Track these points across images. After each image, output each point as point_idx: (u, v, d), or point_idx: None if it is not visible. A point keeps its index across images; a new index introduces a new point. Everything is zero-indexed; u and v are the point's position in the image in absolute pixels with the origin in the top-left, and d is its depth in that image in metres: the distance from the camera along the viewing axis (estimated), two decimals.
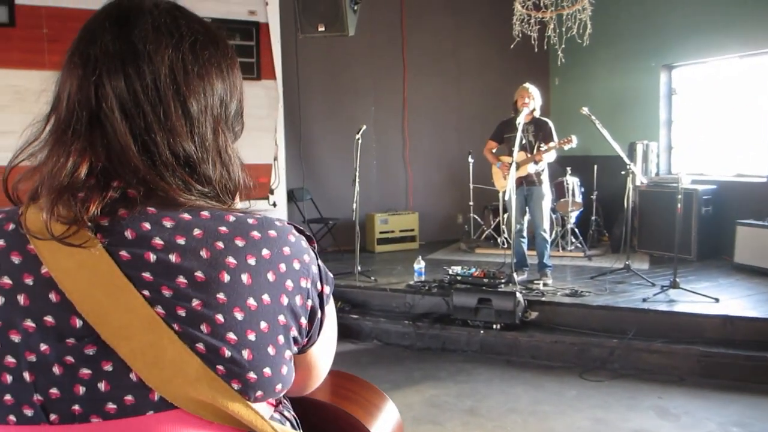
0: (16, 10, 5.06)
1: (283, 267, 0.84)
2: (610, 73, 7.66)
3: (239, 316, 0.80)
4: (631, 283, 5.44)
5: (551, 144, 5.36)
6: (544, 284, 5.40)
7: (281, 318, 0.84)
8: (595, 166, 6.90)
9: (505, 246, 6.60)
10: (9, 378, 0.80)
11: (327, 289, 0.91)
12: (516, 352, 4.76)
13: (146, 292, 0.78)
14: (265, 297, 0.82)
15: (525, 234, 5.73)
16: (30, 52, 4.94)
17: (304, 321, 0.88)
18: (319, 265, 0.90)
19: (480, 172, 7.29)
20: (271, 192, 6.14)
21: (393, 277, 5.99)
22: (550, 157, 5.41)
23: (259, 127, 5.97)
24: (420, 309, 5.31)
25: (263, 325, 0.82)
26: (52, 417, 0.80)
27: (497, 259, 6.29)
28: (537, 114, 5.55)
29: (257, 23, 5.89)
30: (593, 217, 7.12)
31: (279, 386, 0.86)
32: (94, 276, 0.79)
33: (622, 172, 5.52)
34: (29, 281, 0.80)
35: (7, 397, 0.80)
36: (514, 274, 5.31)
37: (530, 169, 5.42)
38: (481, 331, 4.82)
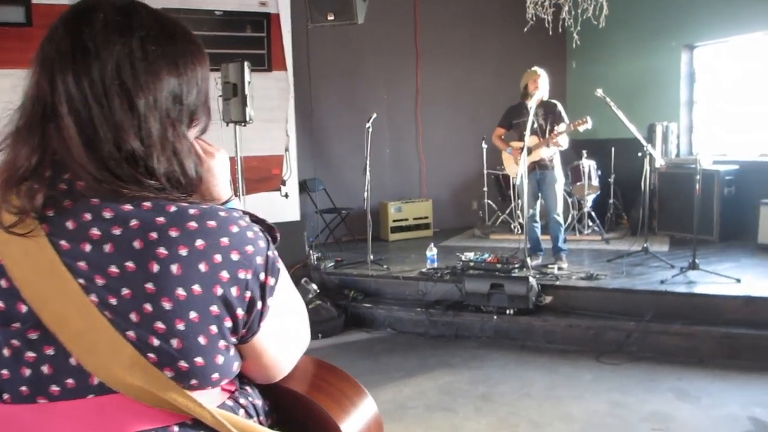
0: (33, 10, 5.09)
1: (218, 258, 0.85)
2: (629, 55, 7.48)
3: (167, 305, 0.82)
4: (649, 266, 5.31)
5: (562, 126, 5.24)
6: (559, 268, 5.30)
7: (213, 308, 0.85)
8: (613, 149, 6.75)
9: (520, 231, 6.50)
10: None
11: (271, 281, 0.91)
12: (530, 337, 4.67)
13: (82, 281, 0.82)
14: (196, 287, 0.83)
15: (538, 219, 5.63)
16: None
17: (241, 312, 0.88)
18: (268, 256, 0.90)
19: (493, 158, 7.20)
20: (283, 183, 6.11)
21: (406, 265, 5.92)
22: (563, 140, 5.29)
23: (270, 118, 5.94)
24: (433, 296, 5.24)
25: (193, 315, 0.83)
26: (5, 396, 0.86)
27: (512, 245, 6.18)
28: (545, 97, 5.43)
29: (268, 14, 5.86)
30: (611, 200, 6.96)
31: (215, 375, 0.88)
32: (37, 264, 0.83)
33: (639, 154, 5.39)
34: None
35: None
36: (528, 259, 5.22)
37: (543, 153, 5.32)
38: (495, 317, 4.75)
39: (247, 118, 5.14)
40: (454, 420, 3.56)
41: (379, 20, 7.59)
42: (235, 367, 0.92)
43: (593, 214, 6.76)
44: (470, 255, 5.54)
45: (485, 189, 7.43)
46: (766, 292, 4.37)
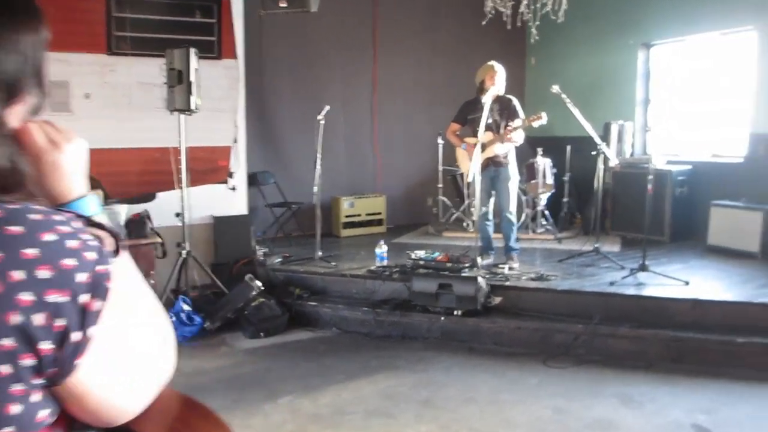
0: None
1: (17, 275, 0.68)
2: (587, 52, 7.43)
3: None
4: (600, 267, 5.25)
5: (517, 122, 5.13)
6: (510, 268, 5.19)
7: (6, 342, 0.67)
8: (569, 147, 6.69)
9: (472, 229, 6.38)
10: None
11: (96, 305, 0.73)
12: (478, 339, 4.55)
13: None
14: None
15: (491, 217, 5.51)
16: None
17: (47, 346, 0.70)
18: (96, 272, 0.73)
19: (449, 155, 7.05)
20: (230, 176, 5.86)
21: (356, 262, 5.74)
22: (518, 136, 5.17)
23: (218, 108, 5.69)
24: (381, 295, 5.08)
25: None
26: None
27: (465, 243, 6.07)
28: (501, 92, 5.30)
29: (219, 0, 5.58)
30: (565, 199, 6.90)
31: (9, 430, 0.69)
32: None
33: (594, 153, 5.31)
34: None
35: None
36: (479, 258, 5.10)
37: (497, 149, 5.19)
38: (442, 318, 4.60)
39: (193, 107, 4.90)
40: (393, 427, 3.40)
41: (336, 10, 7.36)
42: (42, 415, 0.73)
43: (546, 213, 6.69)
44: (421, 253, 5.39)
45: (440, 185, 7.29)
46: (713, 294, 4.34)
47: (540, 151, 6.60)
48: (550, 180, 6.76)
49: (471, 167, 5.11)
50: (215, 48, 5.57)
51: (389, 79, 7.72)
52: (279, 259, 5.76)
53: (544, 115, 5.02)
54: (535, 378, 3.94)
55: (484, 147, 5.24)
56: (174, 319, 4.78)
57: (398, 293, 4.97)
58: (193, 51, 4.81)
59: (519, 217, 6.79)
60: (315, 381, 3.99)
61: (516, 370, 4.08)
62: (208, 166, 5.68)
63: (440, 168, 7.24)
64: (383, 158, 7.85)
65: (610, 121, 6.81)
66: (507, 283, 4.78)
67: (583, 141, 5.78)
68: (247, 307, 4.97)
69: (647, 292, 4.47)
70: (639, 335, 4.12)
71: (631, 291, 4.47)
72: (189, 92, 4.79)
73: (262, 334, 4.83)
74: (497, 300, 4.73)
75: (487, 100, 5.02)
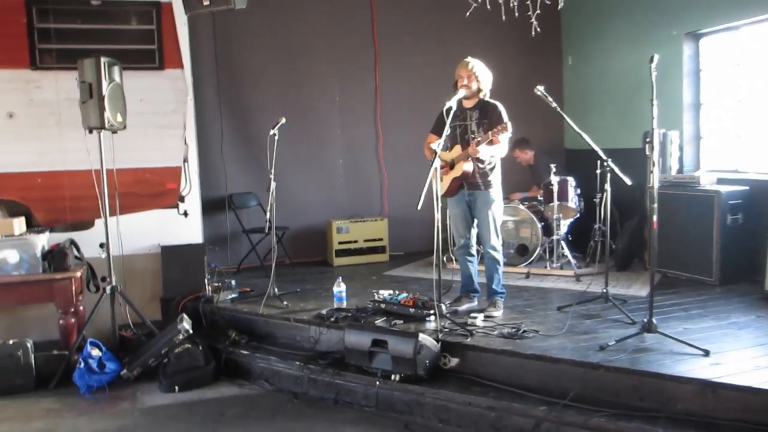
0: None
1: None
2: (626, 48, 6.16)
3: None
4: (605, 319, 4.07)
5: (480, 137, 4.07)
6: (486, 317, 4.13)
7: None
8: (606, 162, 5.42)
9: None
10: None
11: None
12: (421, 413, 3.54)
13: None
14: None
15: (474, 251, 4.46)
16: None
17: None
18: None
19: None
20: (181, 200, 5.21)
21: (320, 300, 4.88)
22: (492, 151, 4.12)
23: (164, 124, 5.09)
24: (324, 346, 4.21)
25: None
26: None
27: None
28: (485, 96, 4.27)
29: (158, 3, 4.98)
30: (596, 225, 5.64)
31: None
32: None
33: (596, 171, 4.17)
34: None
35: None
36: (442, 305, 4.08)
37: (466, 167, 4.16)
38: (377, 382, 3.64)
39: (107, 124, 4.28)
40: None
41: (329, 10, 6.60)
42: None
43: (564, 243, 5.49)
44: (385, 294, 4.46)
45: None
46: (737, 373, 3.06)
47: (553, 168, 5.44)
48: (572, 203, 5.57)
49: (437, 189, 4.08)
50: (156, 57, 4.95)
51: (394, 86, 6.85)
52: (233, 296, 5.02)
53: (509, 125, 3.94)
54: None
55: (452, 164, 4.25)
56: (82, 365, 4.16)
57: (341, 346, 4.05)
58: (105, 60, 4.19)
59: (536, 247, 5.68)
60: None
61: None
62: (155, 190, 5.07)
63: None
64: (390, 176, 6.94)
65: (651, 130, 5.50)
66: (467, 341, 3.73)
67: (624, 154, 4.58)
68: (171, 353, 4.27)
69: (645, 363, 3.27)
70: (618, 429, 2.96)
71: (622, 361, 3.28)
72: (101, 107, 4.18)
73: (176, 388, 4.10)
74: (453, 362, 3.70)
75: (451, 104, 4.02)
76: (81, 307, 4.70)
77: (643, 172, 4.32)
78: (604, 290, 4.28)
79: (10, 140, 4.68)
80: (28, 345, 4.22)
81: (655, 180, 3.57)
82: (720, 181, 5.02)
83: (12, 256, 4.31)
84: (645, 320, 3.60)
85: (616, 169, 4.10)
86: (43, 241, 4.47)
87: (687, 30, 5.47)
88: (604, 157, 4.15)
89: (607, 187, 4.25)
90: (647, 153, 3.67)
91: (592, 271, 5.28)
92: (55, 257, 4.47)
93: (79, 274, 4.53)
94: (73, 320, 4.49)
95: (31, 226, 4.75)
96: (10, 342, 4.22)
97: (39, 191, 4.76)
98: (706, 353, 3.30)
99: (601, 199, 5.51)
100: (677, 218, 5.08)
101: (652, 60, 3.50)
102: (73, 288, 4.46)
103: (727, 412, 2.91)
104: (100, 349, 4.28)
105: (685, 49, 5.51)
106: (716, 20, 5.23)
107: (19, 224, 4.50)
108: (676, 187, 5.18)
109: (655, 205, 3.57)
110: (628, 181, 4.05)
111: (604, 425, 2.99)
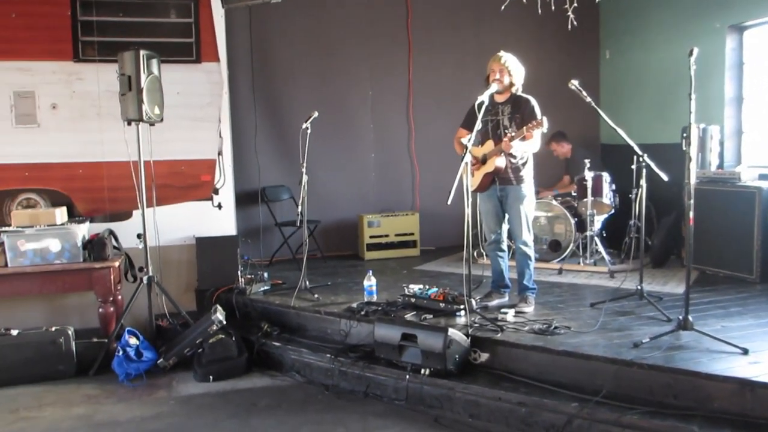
0: None
1: None
2: (666, 41, 6.03)
3: None
4: (639, 316, 4.01)
5: (513, 132, 4.03)
6: (518, 313, 4.11)
7: None
8: (642, 158, 5.31)
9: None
10: None
11: None
12: (450, 407, 3.54)
13: None
14: None
15: (504, 246, 4.43)
16: None
17: None
18: None
19: None
20: (216, 192, 5.29)
21: (352, 294, 4.91)
22: (525, 147, 4.08)
23: (199, 117, 5.16)
24: (354, 339, 4.24)
25: None
26: None
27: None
28: (518, 90, 4.23)
29: None
30: (631, 222, 5.54)
31: None
32: None
33: (632, 167, 4.08)
34: None
35: None
36: (473, 300, 4.07)
37: (499, 162, 4.13)
38: (407, 376, 3.65)
39: (145, 117, 4.37)
40: None
41: (362, 2, 6.61)
42: None
43: (597, 240, 5.41)
44: (415, 288, 4.47)
45: None
46: None
47: (587, 163, 5.36)
48: (607, 199, 5.48)
49: (467, 184, 4.06)
50: (194, 51, 5.03)
51: (427, 79, 6.83)
52: (265, 288, 5.08)
53: (545, 120, 3.89)
54: None
55: (485, 159, 4.22)
56: (120, 353, 4.27)
57: (371, 339, 4.07)
58: (144, 53, 4.28)
59: (569, 243, 5.61)
60: None
61: None
62: (190, 182, 5.16)
63: None
64: (422, 170, 6.93)
65: (690, 125, 5.37)
66: (497, 337, 3.71)
67: (662, 149, 4.49)
68: (205, 344, 4.35)
69: (680, 361, 3.21)
70: (652, 427, 2.91)
71: (657, 359, 3.23)
72: (140, 100, 4.27)
73: (211, 377, 4.18)
74: (484, 357, 3.69)
75: (484, 98, 3.99)
76: (119, 296, 4.82)
77: (681, 168, 4.21)
78: (639, 287, 4.20)
79: (53, 131, 4.81)
80: (70, 332, 4.35)
81: (691, 175, 3.48)
82: (762, 177, 4.89)
83: (54, 245, 4.45)
84: (681, 317, 3.53)
85: (652, 165, 4.03)
86: (83, 230, 4.60)
87: (730, 23, 5.33)
88: (640, 153, 4.07)
89: (643, 182, 4.17)
90: (684, 148, 3.61)
91: (627, 267, 5.18)
92: (94, 247, 4.60)
93: (117, 263, 4.65)
94: (111, 309, 4.61)
95: (72, 215, 4.89)
96: (53, 329, 4.36)
97: (80, 182, 4.88)
98: (745, 351, 3.22)
99: (637, 194, 5.44)
100: (717, 214, 4.96)
101: (691, 53, 3.40)
102: (112, 277, 4.59)
103: (765, 412, 2.85)
104: (138, 338, 4.39)
105: (728, 42, 5.37)
106: (761, 12, 5.08)
107: (61, 214, 4.63)
108: (716, 183, 5.06)
109: (692, 201, 3.50)
110: (664, 177, 3.97)
111: (637, 423, 2.95)
